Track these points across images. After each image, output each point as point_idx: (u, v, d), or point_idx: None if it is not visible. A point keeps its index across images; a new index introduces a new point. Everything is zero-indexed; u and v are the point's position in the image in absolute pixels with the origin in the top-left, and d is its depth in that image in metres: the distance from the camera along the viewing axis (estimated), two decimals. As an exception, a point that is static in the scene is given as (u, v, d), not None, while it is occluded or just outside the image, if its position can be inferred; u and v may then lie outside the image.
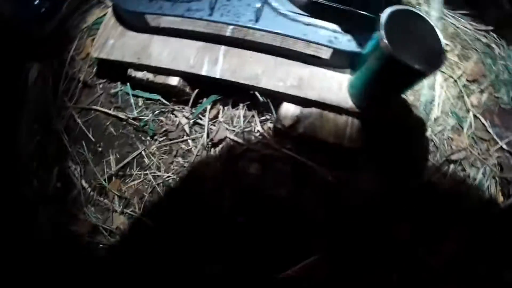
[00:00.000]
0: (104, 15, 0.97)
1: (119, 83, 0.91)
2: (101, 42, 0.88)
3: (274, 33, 0.76)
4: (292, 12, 0.77)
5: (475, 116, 0.94)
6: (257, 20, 0.77)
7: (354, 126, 0.79)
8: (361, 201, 0.81)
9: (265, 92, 0.80)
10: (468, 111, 0.94)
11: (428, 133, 0.89)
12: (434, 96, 0.91)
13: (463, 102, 0.95)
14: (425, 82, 0.91)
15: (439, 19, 0.97)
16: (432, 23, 0.66)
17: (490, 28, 1.04)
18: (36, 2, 1.04)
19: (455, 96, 0.94)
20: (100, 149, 0.91)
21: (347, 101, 0.79)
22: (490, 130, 0.96)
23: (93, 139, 0.91)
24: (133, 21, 0.86)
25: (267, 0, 0.79)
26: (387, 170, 0.83)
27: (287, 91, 0.78)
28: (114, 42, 0.87)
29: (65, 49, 1.00)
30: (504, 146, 0.96)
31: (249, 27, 0.76)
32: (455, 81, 0.95)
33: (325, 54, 0.78)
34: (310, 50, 0.79)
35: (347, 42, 0.76)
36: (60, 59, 1.00)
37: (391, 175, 0.83)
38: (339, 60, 0.79)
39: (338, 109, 0.79)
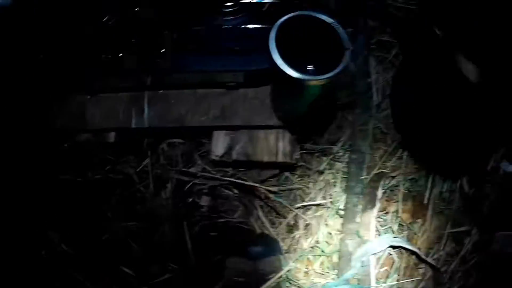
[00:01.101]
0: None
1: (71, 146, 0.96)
2: (48, 112, 0.93)
3: (187, 71, 0.78)
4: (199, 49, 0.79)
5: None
6: (172, 61, 0.79)
7: (286, 140, 0.80)
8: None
9: (193, 129, 0.82)
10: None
11: (372, 122, 0.88)
12: (370, 84, 0.89)
13: (404, 80, 0.92)
14: (356, 73, 0.89)
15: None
16: (329, 20, 0.66)
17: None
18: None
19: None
20: (71, 210, 0.96)
21: (272, 117, 0.80)
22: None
23: (63, 204, 0.96)
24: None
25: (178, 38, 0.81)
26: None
27: (213, 124, 0.80)
28: (57, 109, 0.92)
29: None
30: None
31: (166, 71, 0.79)
32: (391, 60, 0.93)
33: (240, 77, 0.79)
34: (226, 77, 0.80)
35: (255, 62, 0.77)
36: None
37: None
38: (256, 79, 0.80)
39: (266, 127, 0.80)
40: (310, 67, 0.72)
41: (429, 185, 0.89)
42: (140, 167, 0.89)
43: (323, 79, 0.61)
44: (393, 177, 0.89)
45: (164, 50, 0.78)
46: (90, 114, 0.88)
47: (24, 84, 0.93)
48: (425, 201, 0.89)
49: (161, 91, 0.83)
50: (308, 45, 0.71)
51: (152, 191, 0.88)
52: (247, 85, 0.80)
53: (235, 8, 0.81)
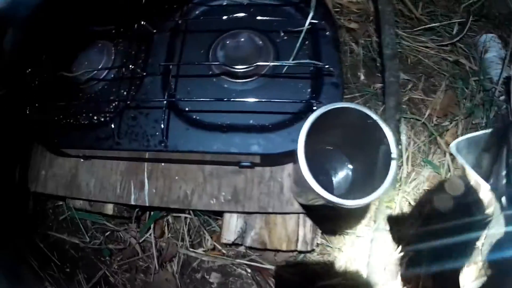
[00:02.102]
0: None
1: (65, 206, 0.79)
2: (34, 174, 0.75)
3: (188, 152, 0.59)
4: (204, 121, 0.59)
5: (452, 156, 0.73)
6: (167, 139, 0.59)
7: (307, 227, 0.63)
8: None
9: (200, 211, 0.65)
10: (444, 153, 0.73)
11: (399, 196, 0.71)
12: (400, 152, 0.71)
13: (436, 145, 0.73)
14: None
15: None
16: (374, 116, 0.46)
17: (456, 38, 0.77)
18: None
19: (426, 142, 0.73)
20: (68, 270, 0.82)
21: (292, 203, 0.62)
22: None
23: (58, 263, 0.82)
24: (56, 152, 0.72)
25: (174, 106, 0.60)
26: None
27: (223, 208, 0.63)
28: (45, 173, 0.74)
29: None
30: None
31: (160, 151, 0.59)
32: (424, 123, 0.73)
33: (257, 158, 0.60)
34: (239, 158, 0.61)
35: (276, 142, 0.58)
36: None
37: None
38: (274, 160, 0.61)
39: (284, 213, 0.63)
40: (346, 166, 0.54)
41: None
42: (143, 238, 0.72)
43: (364, 203, 0.43)
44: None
45: (162, 126, 0.57)
46: (84, 182, 0.70)
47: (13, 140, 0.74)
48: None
49: (163, 164, 0.64)
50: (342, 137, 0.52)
51: (156, 264, 0.72)
52: (264, 164, 0.61)
53: (249, 70, 0.59)
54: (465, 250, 0.66)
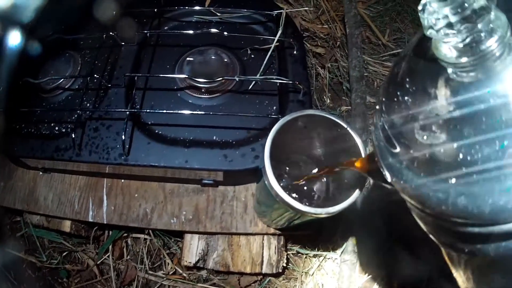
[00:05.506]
0: None
1: (22, 222, 0.68)
2: (-7, 185, 0.65)
3: (149, 166, 0.50)
4: (166, 136, 0.51)
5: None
6: (128, 153, 0.51)
7: (272, 248, 0.54)
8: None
9: (159, 231, 0.55)
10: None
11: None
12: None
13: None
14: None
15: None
16: (343, 124, 0.40)
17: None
18: None
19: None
20: (25, 291, 0.69)
21: (256, 223, 0.54)
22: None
23: (15, 283, 0.69)
24: (14, 162, 0.63)
25: (137, 118, 0.53)
26: None
27: (183, 228, 0.54)
28: (4, 185, 0.64)
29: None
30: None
31: (119, 164, 0.51)
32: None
33: (219, 175, 0.52)
34: (202, 175, 0.53)
35: (239, 159, 0.51)
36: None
37: None
38: (238, 178, 0.54)
39: (247, 234, 0.54)
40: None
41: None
42: (101, 260, 0.62)
43: (334, 212, 0.36)
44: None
45: (123, 138, 0.49)
46: (42, 196, 0.60)
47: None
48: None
49: (123, 180, 0.55)
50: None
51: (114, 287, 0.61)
52: (227, 183, 0.53)
53: (215, 85, 0.53)
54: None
